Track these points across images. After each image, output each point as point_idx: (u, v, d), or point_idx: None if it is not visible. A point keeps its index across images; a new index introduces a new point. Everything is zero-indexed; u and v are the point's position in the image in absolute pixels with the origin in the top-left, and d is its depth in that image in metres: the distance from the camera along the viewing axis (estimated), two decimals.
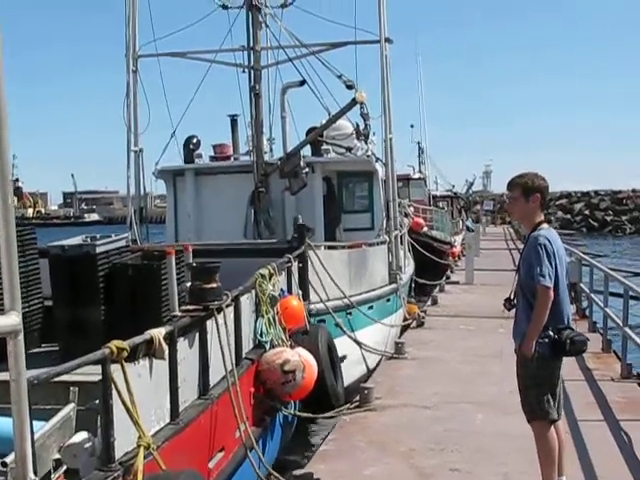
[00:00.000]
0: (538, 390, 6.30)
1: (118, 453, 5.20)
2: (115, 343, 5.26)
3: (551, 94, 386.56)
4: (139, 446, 5.25)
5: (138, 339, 5.73)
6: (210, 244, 12.44)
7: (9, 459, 4.73)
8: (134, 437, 5.33)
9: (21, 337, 3.28)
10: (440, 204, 48.84)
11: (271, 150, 17.99)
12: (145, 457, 5.21)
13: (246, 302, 8.42)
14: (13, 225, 3.31)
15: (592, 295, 16.09)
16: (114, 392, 5.16)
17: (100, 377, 5.16)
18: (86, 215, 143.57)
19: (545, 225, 6.48)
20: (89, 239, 8.69)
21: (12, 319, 3.24)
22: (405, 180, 41.91)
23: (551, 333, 6.23)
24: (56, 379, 5.05)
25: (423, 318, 17.14)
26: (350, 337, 13.14)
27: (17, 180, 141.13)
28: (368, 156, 17.29)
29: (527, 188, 6.42)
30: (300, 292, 10.89)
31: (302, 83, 16.54)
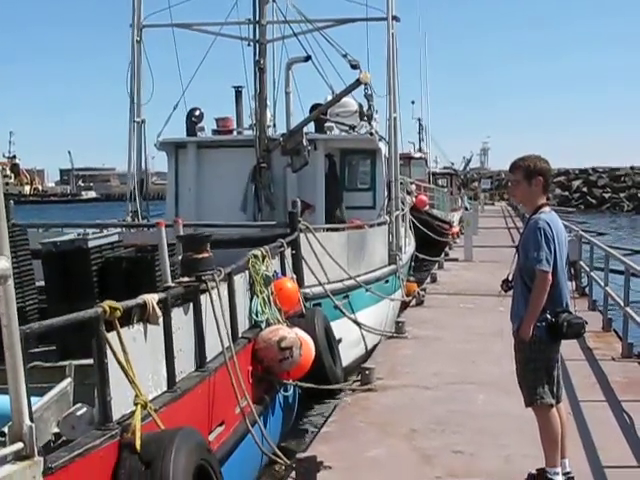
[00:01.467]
0: (535, 374, 6.29)
1: (116, 415, 5.18)
2: (108, 303, 5.25)
3: (550, 73, 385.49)
4: (136, 404, 5.25)
5: (131, 302, 5.74)
6: (219, 226, 12.33)
7: (7, 429, 4.75)
8: (131, 400, 5.32)
9: (11, 282, 3.30)
10: (439, 182, 48.79)
11: (274, 125, 17.90)
12: (143, 418, 5.20)
13: (240, 281, 8.38)
14: (1, 183, 3.29)
15: (592, 274, 16.07)
16: (108, 351, 5.13)
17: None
18: (83, 192, 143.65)
19: (546, 208, 6.43)
20: (81, 235, 8.73)
21: (2, 263, 3.21)
22: (407, 159, 41.91)
23: (549, 316, 6.21)
24: (53, 364, 5.04)
25: (423, 296, 17.10)
26: (350, 318, 13.13)
27: (14, 157, 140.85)
28: (371, 134, 17.19)
29: (529, 171, 6.37)
30: (294, 276, 10.85)
31: (307, 59, 16.46)
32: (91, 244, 8.23)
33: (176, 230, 8.56)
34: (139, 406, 5.23)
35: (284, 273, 10.36)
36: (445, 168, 60.46)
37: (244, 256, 8.80)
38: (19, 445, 3.41)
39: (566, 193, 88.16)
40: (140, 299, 5.85)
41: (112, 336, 5.20)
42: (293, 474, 6.97)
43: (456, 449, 7.71)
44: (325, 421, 9.21)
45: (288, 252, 10.85)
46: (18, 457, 3.41)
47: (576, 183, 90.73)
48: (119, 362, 5.20)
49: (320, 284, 11.98)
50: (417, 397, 9.69)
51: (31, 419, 3.51)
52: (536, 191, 6.40)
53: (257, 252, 8.95)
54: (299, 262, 11.43)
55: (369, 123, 17.31)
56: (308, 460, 6.90)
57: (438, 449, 7.73)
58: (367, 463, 7.46)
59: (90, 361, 5.42)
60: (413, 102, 55.70)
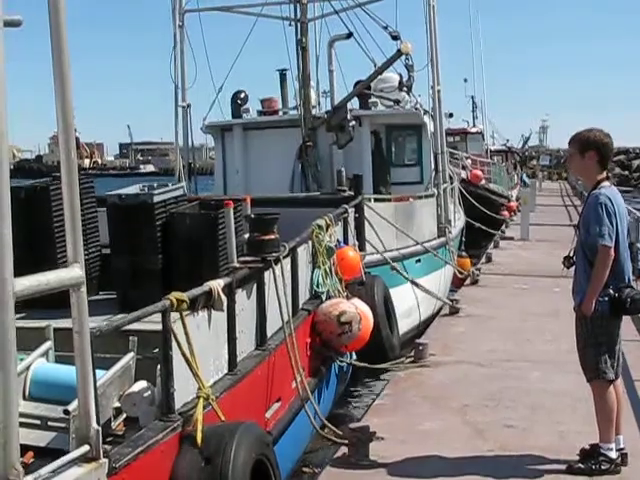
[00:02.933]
0: (597, 349, 6.27)
1: (177, 404, 5.28)
2: (175, 295, 5.32)
3: (615, 51, 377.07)
4: (198, 397, 5.34)
5: (197, 291, 5.78)
6: (267, 196, 12.46)
7: (71, 407, 4.85)
8: (193, 388, 5.41)
9: (84, 289, 3.33)
10: (495, 158, 48.34)
11: (319, 104, 17.92)
12: (204, 408, 5.29)
13: (303, 253, 8.43)
14: (76, 181, 3.37)
15: None
16: (174, 343, 5.22)
17: (159, 327, 5.22)
18: (142, 166, 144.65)
19: (606, 183, 6.38)
20: (146, 188, 8.70)
21: (75, 272, 3.27)
22: (463, 134, 41.56)
23: (611, 291, 6.18)
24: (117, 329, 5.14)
25: (477, 276, 17.03)
26: (410, 280, 13.12)
27: (75, 130, 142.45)
28: (416, 109, 17.12)
29: (583, 145, 6.32)
30: (356, 243, 10.90)
31: (349, 36, 16.42)
32: (156, 199, 8.22)
33: (244, 208, 8.62)
34: (201, 399, 5.32)
35: (346, 240, 10.38)
36: (501, 145, 59.84)
37: (310, 218, 8.82)
38: (85, 448, 3.44)
39: (626, 172, 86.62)
40: (206, 286, 5.90)
41: (177, 326, 5.28)
42: (346, 443, 7.07)
43: (509, 424, 7.73)
44: (378, 394, 9.30)
45: (351, 217, 10.87)
46: (84, 459, 3.46)
47: (636, 162, 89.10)
48: (184, 355, 5.29)
49: (378, 251, 12.02)
50: (470, 373, 9.72)
51: (98, 423, 3.60)
52: (590, 165, 6.34)
53: (321, 222, 8.94)
54: (362, 227, 11.47)
55: (408, 94, 17.19)
56: (361, 430, 6.99)
57: (490, 424, 7.77)
58: (419, 436, 7.53)
59: (150, 327, 5.53)
60: (466, 80, 55.26)
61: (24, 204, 7.85)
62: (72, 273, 3.27)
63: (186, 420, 5.22)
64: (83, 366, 3.41)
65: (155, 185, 8.86)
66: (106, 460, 3.61)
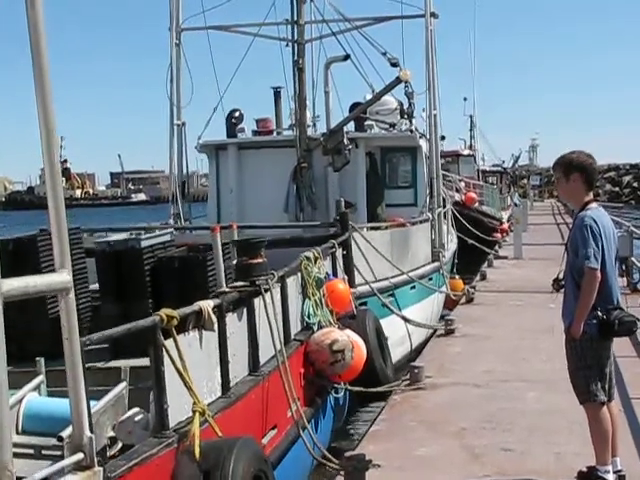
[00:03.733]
0: (587, 372, 6.24)
1: (172, 422, 5.25)
2: (165, 311, 5.32)
3: (601, 67, 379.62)
4: (194, 412, 5.30)
5: (187, 309, 5.81)
6: (262, 227, 12.39)
7: (65, 433, 4.82)
8: (187, 408, 5.38)
9: (72, 295, 3.32)
10: (489, 179, 48.49)
11: (314, 125, 17.96)
12: (200, 424, 5.25)
13: (292, 284, 8.42)
14: (60, 185, 3.36)
15: None
16: (166, 359, 5.20)
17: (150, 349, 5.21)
18: (133, 195, 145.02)
19: (593, 205, 6.37)
20: (134, 234, 8.81)
21: (63, 276, 3.27)
22: (455, 156, 41.76)
23: (599, 313, 6.16)
24: (108, 365, 5.11)
25: (473, 294, 17.02)
26: (399, 315, 13.13)
27: (65, 161, 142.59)
28: (412, 131, 17.16)
29: (567, 168, 6.33)
30: (346, 277, 10.88)
31: (346, 58, 16.47)
32: (144, 244, 8.31)
33: (231, 234, 8.62)
34: (197, 413, 5.29)
35: (335, 274, 10.37)
36: (494, 166, 60.06)
37: (296, 256, 8.83)
38: (79, 456, 3.44)
39: (617, 189, 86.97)
40: (196, 306, 5.91)
41: (169, 343, 5.26)
42: (342, 473, 6.98)
43: (506, 447, 7.68)
44: (374, 420, 9.22)
45: (339, 252, 10.86)
46: (78, 467, 3.46)
47: (627, 178, 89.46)
48: (177, 369, 5.27)
49: (367, 283, 11.99)
50: (467, 395, 9.66)
51: (91, 430, 3.56)
52: (575, 187, 6.32)
53: (309, 254, 8.97)
54: (350, 262, 11.44)
55: (410, 121, 17.26)
56: (357, 458, 6.91)
57: (488, 447, 7.71)
58: (416, 462, 7.47)
59: (143, 362, 5.50)
60: (465, 99, 55.55)
61: (12, 256, 7.88)
62: (60, 278, 3.27)
63: (181, 436, 5.19)
64: (74, 373, 3.40)
65: (143, 232, 9.02)
66: (101, 469, 3.62)
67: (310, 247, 9.41)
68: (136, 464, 4.66)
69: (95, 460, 3.50)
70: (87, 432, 3.47)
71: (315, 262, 9.04)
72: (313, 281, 8.83)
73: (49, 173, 3.33)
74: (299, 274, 8.70)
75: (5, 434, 2.84)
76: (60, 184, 3.38)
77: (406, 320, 13.53)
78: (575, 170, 6.28)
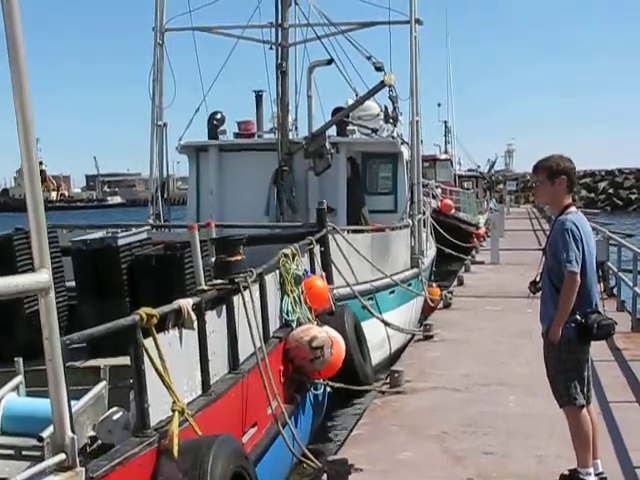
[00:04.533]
0: (566, 375, 6.28)
1: (152, 422, 5.24)
2: (145, 310, 5.30)
3: (573, 73, 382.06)
4: (174, 411, 5.29)
5: (167, 308, 5.79)
6: (244, 227, 12.39)
7: (45, 434, 4.82)
8: (167, 406, 5.37)
9: (52, 294, 3.35)
10: (465, 184, 48.68)
11: (296, 129, 17.97)
12: (180, 423, 5.25)
13: (271, 281, 8.43)
14: (39, 184, 3.35)
15: (621, 274, 16.01)
16: (145, 358, 5.18)
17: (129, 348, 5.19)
18: (109, 198, 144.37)
19: (573, 209, 6.42)
20: (111, 232, 8.76)
21: (42, 276, 3.28)
22: (432, 161, 41.95)
23: (578, 317, 6.19)
24: (87, 364, 5.11)
25: (450, 299, 17.09)
26: (379, 318, 13.17)
27: (41, 163, 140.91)
28: (393, 137, 17.20)
29: (552, 171, 6.36)
30: (324, 274, 10.89)
31: (330, 62, 16.50)
32: (120, 242, 8.28)
33: (209, 233, 8.62)
34: (177, 413, 5.28)
35: (313, 271, 10.39)
36: (470, 170, 60.32)
37: (274, 254, 8.83)
38: (61, 456, 3.45)
39: (592, 195, 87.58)
40: (175, 304, 5.90)
41: (149, 343, 5.25)
42: (324, 477, 6.99)
43: (487, 450, 7.71)
44: (355, 424, 9.23)
45: (317, 250, 10.88)
46: (60, 468, 3.45)
47: (602, 185, 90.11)
48: (156, 369, 5.25)
49: (348, 285, 12.02)
50: (447, 399, 9.69)
51: (72, 430, 3.55)
52: (560, 191, 6.38)
53: (287, 251, 8.98)
54: (328, 259, 11.46)
55: (394, 125, 17.30)
56: (339, 463, 6.92)
57: (469, 450, 7.73)
58: (398, 465, 7.47)
59: (122, 361, 5.48)
60: (439, 104, 55.82)
61: None
62: (39, 277, 3.27)
63: (162, 435, 5.18)
64: (55, 374, 3.39)
65: (119, 231, 8.97)
66: (83, 469, 3.62)
67: (288, 244, 9.41)
68: (118, 464, 4.64)
69: (77, 460, 3.50)
70: (69, 433, 3.47)
71: (293, 259, 9.05)
72: (291, 278, 8.84)
73: (28, 171, 3.31)
74: (277, 271, 8.71)
75: None
76: (39, 183, 3.37)
77: (386, 324, 13.56)
78: (562, 173, 6.33)
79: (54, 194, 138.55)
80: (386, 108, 16.79)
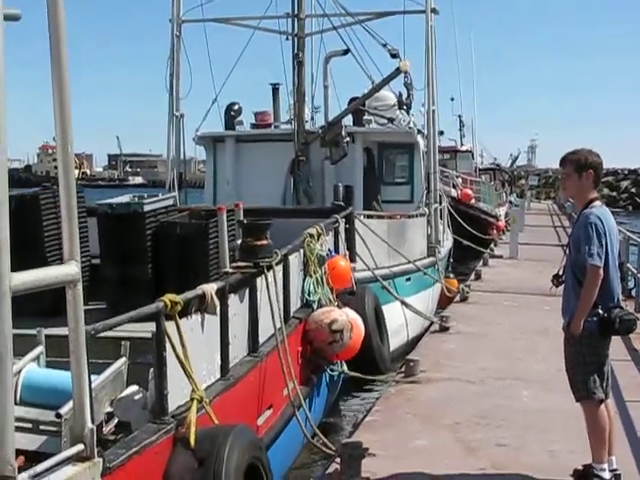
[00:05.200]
0: (585, 369, 6.27)
1: (171, 407, 5.27)
2: (169, 297, 5.32)
3: (598, 71, 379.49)
4: (192, 399, 5.32)
5: (190, 294, 5.79)
6: (256, 207, 12.45)
7: (63, 410, 4.85)
8: (186, 391, 5.40)
9: (80, 286, 3.33)
10: (483, 177, 48.47)
11: (312, 119, 18.00)
12: (198, 411, 5.28)
13: (294, 261, 8.42)
14: (73, 178, 3.37)
15: None
16: (167, 345, 5.20)
17: (150, 335, 5.22)
18: (130, 178, 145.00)
19: (597, 203, 6.42)
20: (137, 198, 8.71)
21: (71, 268, 3.27)
22: (453, 152, 41.76)
23: (600, 311, 6.19)
24: (107, 334, 5.12)
25: (467, 293, 17.07)
26: (399, 299, 13.19)
27: None
28: (410, 127, 17.17)
29: (580, 165, 6.35)
30: (347, 253, 10.90)
31: (346, 52, 16.49)
32: (147, 208, 8.26)
33: (237, 214, 8.63)
34: (195, 401, 5.30)
35: (337, 250, 10.38)
36: (489, 164, 60.01)
37: (298, 227, 8.83)
38: (80, 447, 3.44)
39: (614, 193, 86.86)
40: (199, 290, 5.90)
41: (171, 329, 5.26)
42: (338, 460, 7.02)
43: (501, 442, 7.71)
44: (369, 410, 9.26)
45: (342, 227, 10.87)
46: (78, 458, 3.46)
47: (624, 183, 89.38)
48: (178, 357, 5.28)
49: (368, 268, 12.03)
50: (461, 391, 9.69)
51: (92, 421, 3.57)
52: (586, 185, 6.37)
53: (312, 231, 8.95)
54: (353, 237, 11.49)
55: (407, 112, 17.26)
56: (353, 446, 6.94)
57: (482, 441, 7.74)
58: (411, 453, 7.49)
59: (142, 332, 5.50)
60: (452, 99, 55.32)
61: (13, 215, 7.80)
62: (68, 270, 3.27)
63: (179, 423, 5.20)
64: (78, 364, 3.39)
65: (145, 195, 8.89)
66: (100, 460, 3.62)
67: (315, 218, 9.38)
68: (135, 452, 4.67)
69: (95, 451, 3.49)
70: (89, 424, 3.46)
71: (318, 239, 9.02)
72: (315, 258, 8.82)
73: (63, 169, 3.33)
74: (301, 251, 8.69)
75: (7, 431, 2.89)
76: (74, 183, 3.40)
77: (405, 304, 13.53)
78: (589, 167, 6.32)
79: (76, 172, 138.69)
80: (400, 94, 16.70)
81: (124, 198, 8.86)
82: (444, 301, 17.20)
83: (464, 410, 8.83)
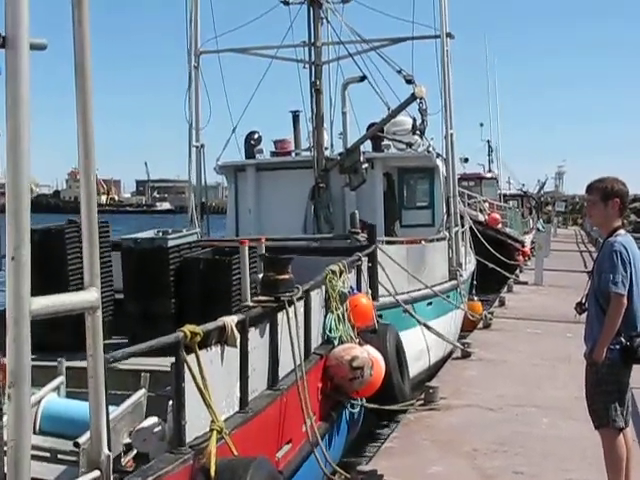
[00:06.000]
0: (606, 397, 6.25)
1: (188, 438, 5.26)
2: (189, 328, 5.33)
3: (627, 99, 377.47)
4: (212, 430, 5.30)
5: (211, 325, 5.80)
6: (280, 240, 12.49)
7: (82, 439, 4.84)
8: (204, 422, 5.39)
9: (99, 313, 3.33)
10: (510, 203, 48.33)
11: (332, 146, 18.07)
12: (217, 441, 5.26)
13: (316, 297, 8.42)
14: (94, 201, 3.40)
15: None
16: (187, 375, 5.21)
17: (171, 363, 5.22)
18: (158, 203, 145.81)
19: (622, 231, 6.42)
20: (161, 233, 8.80)
21: (91, 294, 3.28)
22: (477, 179, 41.73)
23: (623, 340, 6.17)
24: (127, 367, 5.17)
25: (490, 320, 17.01)
26: (421, 323, 13.16)
27: None
28: (429, 151, 17.22)
29: (606, 193, 6.36)
30: (369, 291, 10.92)
31: (362, 79, 16.52)
32: (170, 243, 8.33)
33: (259, 249, 8.68)
34: (215, 432, 5.29)
35: (359, 288, 10.40)
36: (517, 190, 59.88)
37: (320, 265, 8.85)
38: (96, 473, 3.45)
39: None
40: (220, 321, 5.91)
41: (191, 360, 5.28)
42: None
43: (518, 470, 7.70)
44: (387, 437, 9.27)
45: (365, 265, 10.92)
46: None
47: None
48: (198, 387, 5.28)
49: (389, 293, 12.04)
50: (480, 418, 9.68)
51: (109, 448, 3.59)
52: (612, 213, 6.39)
53: (335, 267, 8.95)
54: (375, 275, 11.48)
55: (421, 137, 17.30)
56: (369, 474, 6.97)
57: (499, 469, 7.74)
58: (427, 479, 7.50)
59: (162, 364, 5.55)
60: (482, 124, 55.30)
61: (37, 247, 7.90)
62: (88, 296, 3.27)
63: (197, 453, 5.20)
64: (96, 391, 3.39)
65: (170, 231, 8.98)
66: None
67: (338, 256, 9.36)
68: None
69: (112, 478, 3.50)
70: (105, 450, 3.45)
71: (340, 275, 9.07)
72: (337, 295, 8.85)
73: (86, 195, 3.33)
74: (323, 287, 8.73)
75: (24, 462, 2.88)
76: (95, 209, 3.39)
77: (427, 327, 13.51)
78: (614, 196, 6.33)
79: (104, 198, 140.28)
80: (414, 120, 16.76)
81: (148, 233, 8.96)
82: (468, 324, 17.16)
83: (482, 437, 8.82)
